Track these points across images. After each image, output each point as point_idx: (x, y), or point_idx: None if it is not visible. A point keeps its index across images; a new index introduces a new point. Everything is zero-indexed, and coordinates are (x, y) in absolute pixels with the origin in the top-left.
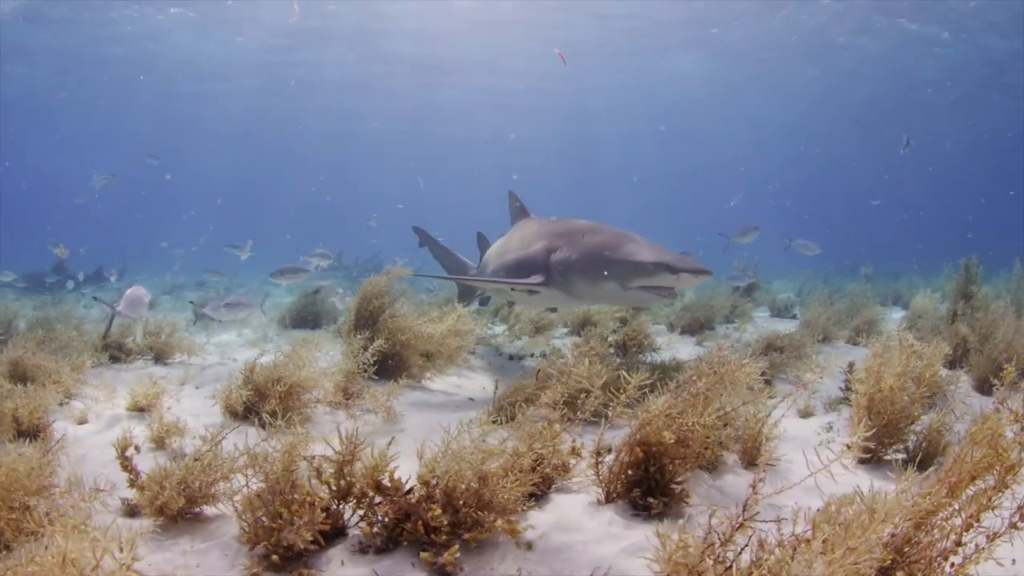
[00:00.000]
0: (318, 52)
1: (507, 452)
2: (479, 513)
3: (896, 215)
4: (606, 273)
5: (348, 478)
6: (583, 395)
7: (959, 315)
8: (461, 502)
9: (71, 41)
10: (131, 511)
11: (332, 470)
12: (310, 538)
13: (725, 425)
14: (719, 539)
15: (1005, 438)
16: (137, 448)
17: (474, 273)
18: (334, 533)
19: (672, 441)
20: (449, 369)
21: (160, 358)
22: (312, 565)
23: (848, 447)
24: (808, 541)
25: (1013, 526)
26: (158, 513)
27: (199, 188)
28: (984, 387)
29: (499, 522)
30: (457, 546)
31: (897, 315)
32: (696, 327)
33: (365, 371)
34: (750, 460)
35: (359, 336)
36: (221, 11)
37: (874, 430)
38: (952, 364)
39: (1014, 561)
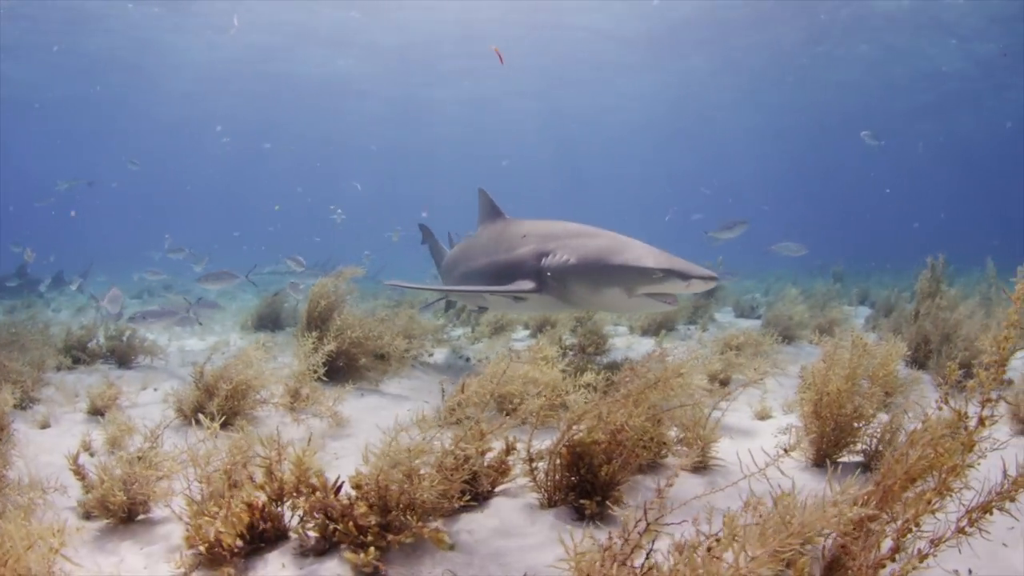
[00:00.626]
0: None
1: (435, 451)
2: (405, 516)
3: (874, 215)
4: (610, 279)
5: (279, 480)
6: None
7: (924, 314)
8: (394, 503)
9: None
10: (86, 514)
11: (262, 471)
12: (233, 538)
13: (658, 423)
14: (620, 543)
15: (947, 438)
16: (92, 452)
17: (434, 275)
18: (277, 536)
19: (599, 442)
20: (403, 372)
21: (123, 361)
22: (251, 567)
23: (786, 451)
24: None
25: (960, 531)
26: (107, 514)
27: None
28: (954, 385)
29: (425, 529)
30: (373, 549)
31: (865, 314)
32: (657, 328)
33: (315, 372)
34: (698, 463)
35: (310, 337)
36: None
37: (814, 435)
38: (916, 364)
39: (970, 571)
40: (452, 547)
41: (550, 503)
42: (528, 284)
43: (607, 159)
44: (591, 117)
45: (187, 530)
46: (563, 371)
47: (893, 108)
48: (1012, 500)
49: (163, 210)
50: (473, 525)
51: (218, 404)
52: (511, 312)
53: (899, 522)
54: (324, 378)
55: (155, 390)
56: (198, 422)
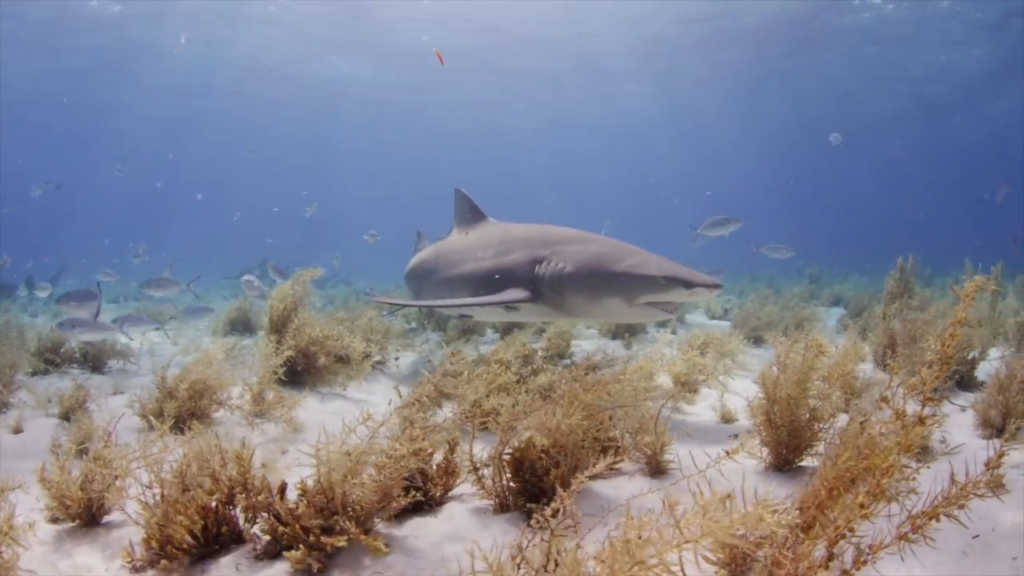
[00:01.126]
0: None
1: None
2: (346, 519)
3: (859, 217)
4: (610, 288)
5: (228, 484)
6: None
7: (892, 315)
8: (338, 505)
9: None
10: (53, 519)
11: (208, 475)
12: (182, 536)
13: (599, 426)
14: (524, 546)
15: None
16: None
17: (408, 275)
18: (232, 539)
19: (539, 446)
20: (369, 376)
21: (96, 366)
22: (206, 569)
23: (728, 453)
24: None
25: (902, 538)
26: (67, 513)
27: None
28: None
29: (360, 534)
30: (304, 547)
31: (839, 315)
32: (626, 330)
33: (275, 373)
34: (655, 467)
35: (271, 340)
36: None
37: (769, 440)
38: (885, 365)
39: None
40: (387, 552)
41: (502, 508)
42: (522, 293)
43: (600, 164)
44: (585, 122)
45: (145, 532)
46: (518, 373)
47: (874, 112)
48: (961, 507)
49: (154, 212)
50: (425, 530)
51: (177, 406)
52: (499, 320)
53: (830, 528)
54: (285, 378)
55: (122, 394)
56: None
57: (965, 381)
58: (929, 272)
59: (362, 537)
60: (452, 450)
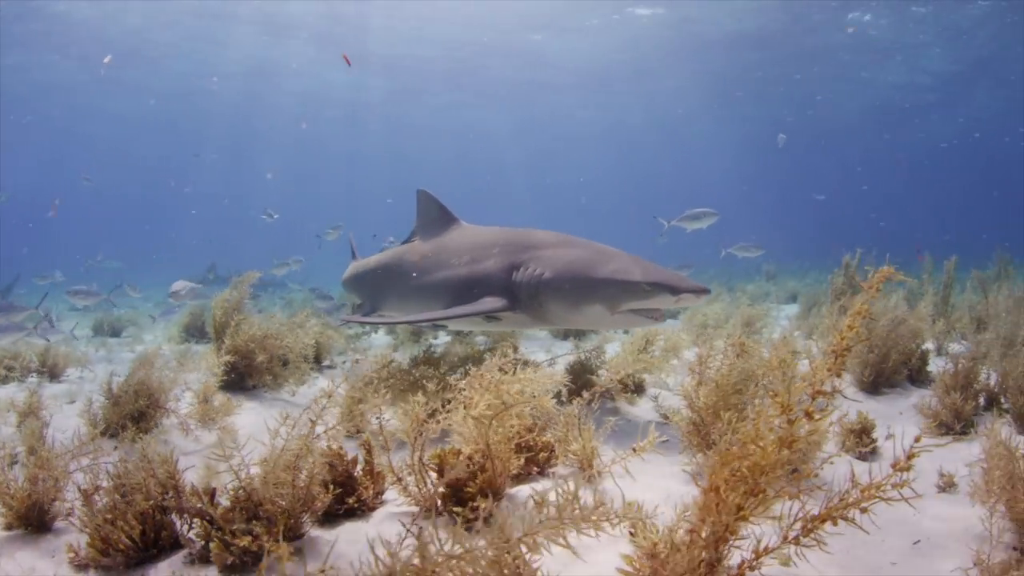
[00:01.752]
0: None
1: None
2: (255, 524)
3: (823, 216)
4: (590, 295)
5: (158, 490)
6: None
7: (836, 312)
8: (263, 508)
9: None
10: (8, 526)
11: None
12: (119, 539)
13: (529, 431)
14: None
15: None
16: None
17: (355, 281)
18: (173, 544)
19: (458, 452)
20: (312, 380)
21: (54, 375)
22: (146, 573)
23: (634, 450)
24: None
25: (792, 540)
26: (13, 515)
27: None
28: (869, 386)
29: (267, 539)
30: (224, 551)
31: (793, 312)
32: (575, 331)
33: (216, 375)
34: (588, 470)
35: (216, 345)
36: None
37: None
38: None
39: None
40: (291, 558)
41: (431, 513)
42: (499, 302)
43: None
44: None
45: (88, 535)
46: (442, 377)
47: (843, 115)
48: (863, 511)
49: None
50: (355, 534)
51: (121, 413)
52: (478, 330)
53: (707, 531)
54: (232, 383)
55: (75, 402)
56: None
57: (915, 376)
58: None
59: (267, 541)
60: (369, 454)
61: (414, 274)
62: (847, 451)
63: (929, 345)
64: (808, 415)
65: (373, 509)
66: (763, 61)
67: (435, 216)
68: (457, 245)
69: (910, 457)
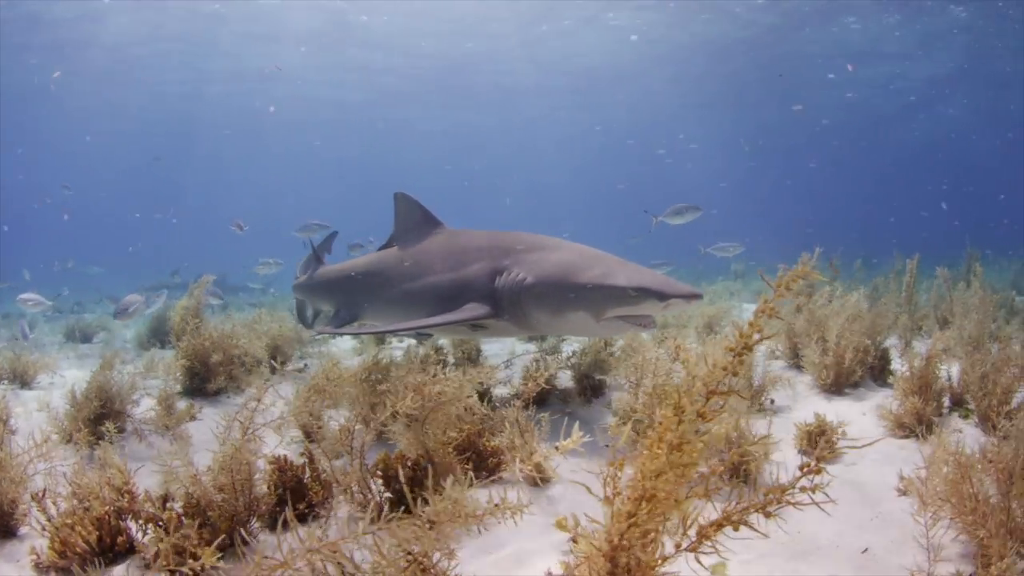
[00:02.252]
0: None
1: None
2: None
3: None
4: (574, 301)
5: (111, 496)
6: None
7: (798, 311)
8: (212, 514)
9: None
10: None
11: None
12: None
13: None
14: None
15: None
16: None
17: (326, 287)
18: (130, 550)
19: (406, 457)
20: (277, 384)
21: (24, 382)
22: None
23: (557, 448)
24: None
25: (688, 548)
26: None
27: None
28: (831, 387)
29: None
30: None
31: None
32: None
33: (173, 377)
34: (541, 475)
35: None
36: None
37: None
38: (794, 361)
39: None
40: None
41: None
42: (481, 309)
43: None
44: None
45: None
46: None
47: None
48: (767, 516)
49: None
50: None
51: (85, 416)
52: (465, 338)
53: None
54: (189, 384)
55: (38, 411)
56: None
57: (876, 373)
58: (859, 265)
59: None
60: (312, 461)
61: (394, 280)
62: (803, 454)
63: (893, 343)
64: (701, 416)
65: (319, 515)
66: (746, 66)
67: (416, 220)
68: (439, 250)
69: (819, 460)
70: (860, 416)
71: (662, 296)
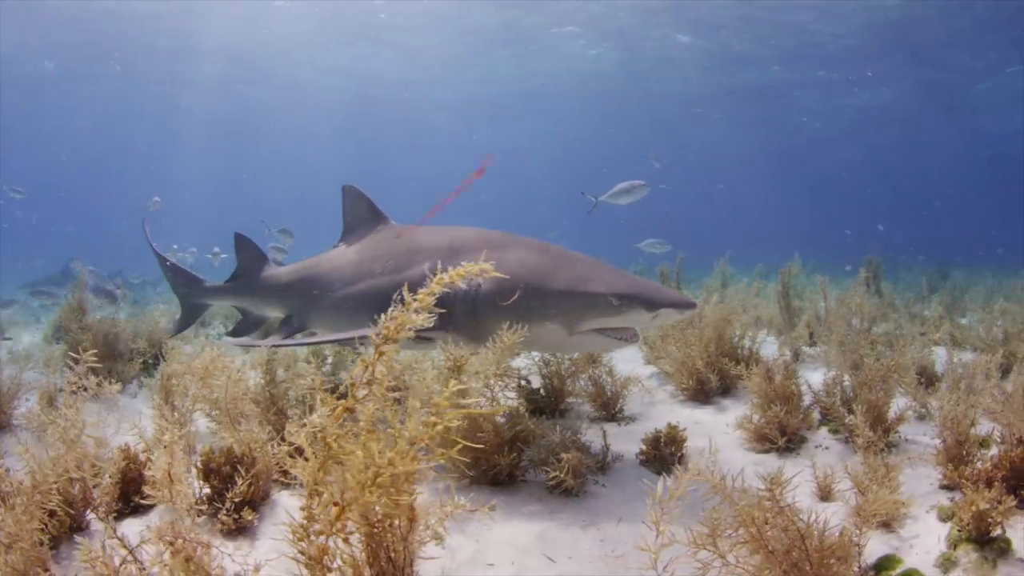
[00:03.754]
0: None
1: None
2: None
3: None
4: (541, 312)
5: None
6: None
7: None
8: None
9: None
10: None
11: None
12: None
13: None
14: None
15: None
16: None
17: (273, 291)
18: None
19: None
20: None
21: None
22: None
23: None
24: None
25: None
26: None
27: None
28: (696, 393)
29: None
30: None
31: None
32: None
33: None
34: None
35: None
36: None
37: None
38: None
39: None
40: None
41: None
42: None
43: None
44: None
45: None
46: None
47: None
48: None
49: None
50: (131, 528)
51: None
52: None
53: None
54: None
55: None
56: None
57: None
58: (811, 267)
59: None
60: (148, 454)
61: (334, 284)
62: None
63: (771, 350)
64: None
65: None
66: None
67: (363, 216)
68: (384, 250)
69: None
70: (724, 426)
71: (651, 305)
